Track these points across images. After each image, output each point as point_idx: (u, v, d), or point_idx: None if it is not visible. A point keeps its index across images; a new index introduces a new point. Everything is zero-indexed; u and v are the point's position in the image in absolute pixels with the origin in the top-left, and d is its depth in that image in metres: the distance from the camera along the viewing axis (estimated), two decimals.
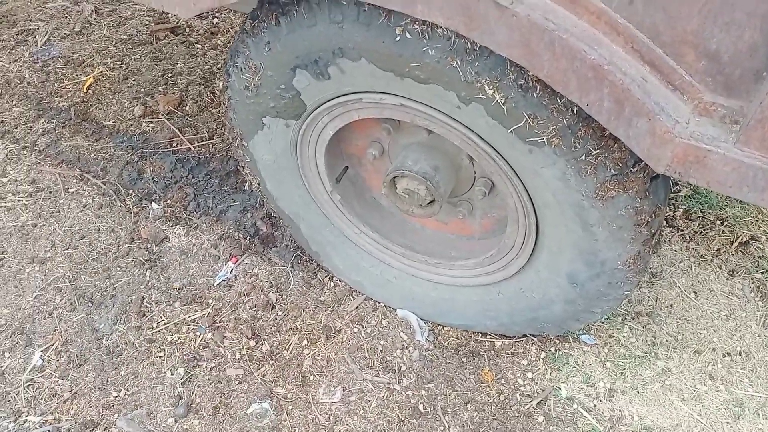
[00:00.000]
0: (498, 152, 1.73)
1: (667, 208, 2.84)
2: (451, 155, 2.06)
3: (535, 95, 1.51)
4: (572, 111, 1.51)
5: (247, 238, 2.71)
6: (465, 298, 2.35)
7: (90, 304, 2.47)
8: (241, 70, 1.93)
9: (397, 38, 1.56)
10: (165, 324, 2.42)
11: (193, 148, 3.11)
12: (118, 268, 2.60)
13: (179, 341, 2.37)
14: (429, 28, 1.51)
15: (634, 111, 1.33)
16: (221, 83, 2.63)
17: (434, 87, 1.63)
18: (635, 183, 1.64)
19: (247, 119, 2.09)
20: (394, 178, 2.08)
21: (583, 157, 1.59)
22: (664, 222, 2.79)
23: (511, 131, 1.62)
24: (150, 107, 3.32)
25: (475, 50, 1.49)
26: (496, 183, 1.91)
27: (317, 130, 2.06)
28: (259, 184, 2.38)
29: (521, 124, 1.58)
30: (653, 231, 1.78)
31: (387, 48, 1.60)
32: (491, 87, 1.54)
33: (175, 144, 3.13)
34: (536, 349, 2.39)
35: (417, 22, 1.51)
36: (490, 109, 1.59)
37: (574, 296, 2.02)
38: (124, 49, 3.70)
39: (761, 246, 2.72)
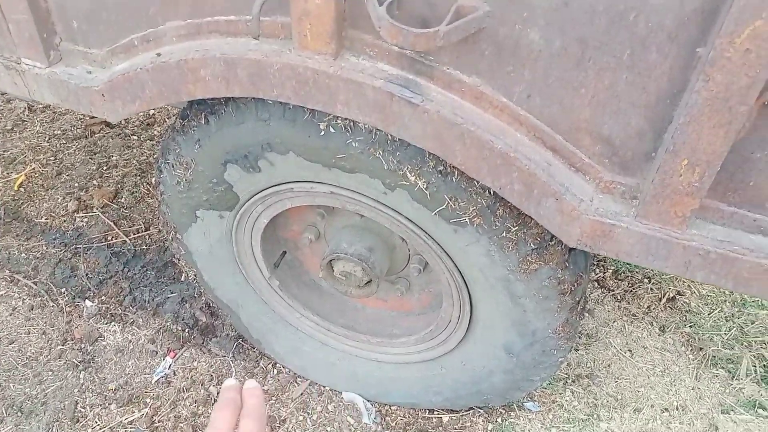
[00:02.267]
0: (426, 232, 1.81)
1: (596, 270, 2.97)
2: (385, 236, 2.12)
3: (454, 180, 1.60)
4: (489, 192, 1.60)
5: (186, 330, 2.67)
6: (409, 375, 2.36)
7: (20, 414, 2.36)
8: (173, 167, 1.96)
9: (322, 132, 1.64)
10: (101, 429, 2.32)
11: (128, 241, 3.08)
12: (50, 373, 2.50)
13: None
14: (351, 123, 1.60)
15: (542, 192, 1.43)
16: (154, 178, 2.65)
17: (360, 176, 1.70)
18: (554, 255, 1.73)
19: (181, 213, 2.11)
20: (331, 260, 2.12)
21: (504, 234, 1.68)
22: (596, 283, 2.91)
23: (435, 213, 1.70)
24: (84, 201, 3.29)
25: (396, 141, 1.58)
26: (428, 261, 1.97)
27: (252, 219, 2.09)
28: (195, 275, 2.38)
29: (444, 206, 1.66)
30: (578, 298, 1.87)
31: (313, 142, 1.67)
32: (413, 174, 1.62)
33: (110, 237, 3.10)
34: (483, 421, 2.40)
35: (339, 118, 1.59)
36: (414, 194, 1.67)
37: (512, 366, 2.06)
38: (58, 145, 3.69)
39: (687, 300, 2.85)
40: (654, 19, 1.18)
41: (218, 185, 1.94)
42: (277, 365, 2.56)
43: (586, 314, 2.77)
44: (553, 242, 1.72)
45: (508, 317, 1.90)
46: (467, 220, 1.67)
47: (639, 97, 1.27)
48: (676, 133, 1.23)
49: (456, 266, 1.87)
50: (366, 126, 1.57)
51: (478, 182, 1.57)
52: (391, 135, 1.56)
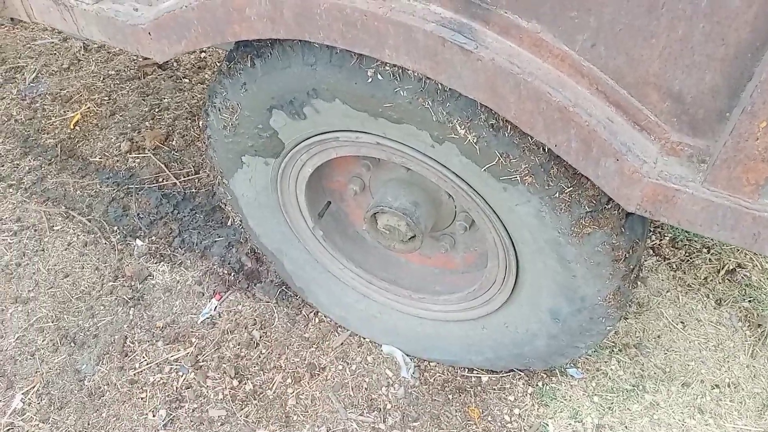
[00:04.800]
0: (474, 189, 1.73)
1: (652, 237, 2.83)
2: (431, 191, 2.06)
3: (506, 135, 1.52)
4: (544, 150, 1.51)
5: (232, 274, 2.70)
6: (450, 333, 2.33)
7: (73, 345, 2.45)
8: (219, 110, 1.94)
9: (369, 80, 1.57)
10: (147, 364, 2.39)
11: (179, 183, 3.11)
12: (102, 307, 2.58)
13: (161, 382, 2.34)
14: (400, 70, 1.52)
15: (602, 151, 1.33)
16: (201, 121, 2.65)
17: (407, 127, 1.63)
18: (610, 219, 1.63)
19: (227, 158, 2.09)
20: (375, 214, 2.08)
21: (557, 195, 1.59)
22: (651, 251, 2.79)
23: (484, 170, 1.62)
24: (136, 143, 3.34)
25: (446, 91, 1.50)
26: (474, 219, 1.91)
27: (297, 167, 2.06)
28: (241, 220, 2.38)
29: (494, 163, 1.58)
30: (632, 266, 1.78)
31: (359, 89, 1.60)
32: (463, 127, 1.54)
33: (161, 179, 3.14)
34: (523, 384, 2.36)
35: (388, 65, 1.52)
36: (463, 149, 1.60)
37: (557, 331, 2.00)
38: (112, 85, 3.73)
39: (747, 274, 2.70)
40: None
41: (263, 131, 1.91)
42: (319, 314, 2.57)
43: (639, 283, 2.66)
44: (609, 205, 1.62)
45: (556, 281, 1.83)
46: (518, 178, 1.59)
47: (716, 50, 1.15)
48: (756, 91, 1.11)
49: (504, 226, 1.80)
50: (415, 74, 1.49)
51: (531, 138, 1.48)
52: (441, 84, 1.48)
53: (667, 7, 1.14)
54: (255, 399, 2.29)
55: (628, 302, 1.91)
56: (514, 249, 1.86)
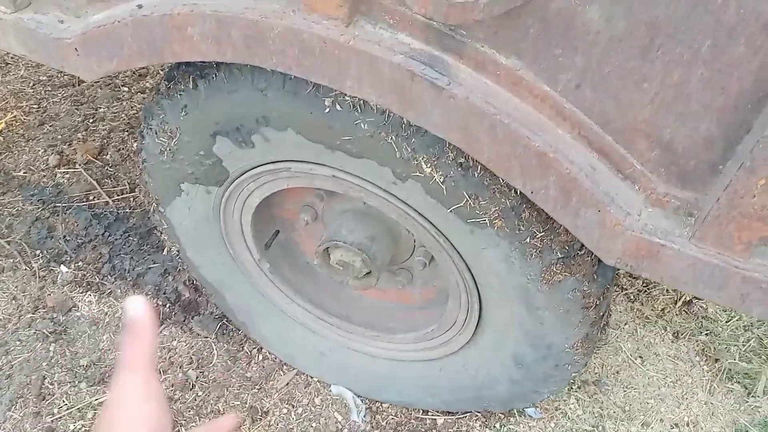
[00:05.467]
0: (438, 230, 1.60)
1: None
2: (389, 224, 1.91)
3: (476, 175, 1.39)
4: (516, 192, 1.39)
5: (167, 306, 2.48)
6: (405, 373, 2.18)
7: None
8: (156, 134, 1.74)
9: (327, 110, 1.42)
10: (68, 409, 2.15)
11: (111, 202, 2.86)
12: (18, 342, 2.31)
13: (83, 430, 2.10)
14: (361, 101, 1.37)
15: (582, 201, 1.21)
16: (136, 143, 2.43)
17: (368, 162, 1.48)
18: (583, 266, 1.53)
19: (164, 185, 1.89)
20: (327, 248, 1.92)
21: (528, 240, 1.47)
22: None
23: (450, 211, 1.48)
24: (66, 156, 3.06)
25: (411, 126, 1.36)
26: (436, 258, 1.77)
27: (242, 197, 1.87)
28: (178, 250, 2.17)
29: (462, 204, 1.45)
30: (602, 312, 1.68)
31: (315, 119, 1.45)
32: (429, 165, 1.40)
33: (92, 197, 2.88)
34: (480, 426, 2.24)
35: (348, 95, 1.36)
36: (429, 188, 1.46)
37: (520, 377, 1.88)
38: (42, 92, 3.43)
39: (704, 305, 2.67)
40: (748, 5, 0.94)
41: (206, 158, 1.72)
42: (263, 350, 2.38)
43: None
44: (582, 252, 1.52)
45: (522, 328, 1.71)
46: (487, 221, 1.46)
47: (714, 99, 1.05)
48: (757, 147, 1.01)
49: (468, 268, 1.67)
50: (379, 106, 1.35)
51: (503, 180, 1.36)
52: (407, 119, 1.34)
53: (663, 50, 1.03)
54: None
55: (594, 349, 1.81)
56: (478, 292, 1.73)
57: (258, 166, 1.72)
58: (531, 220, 1.45)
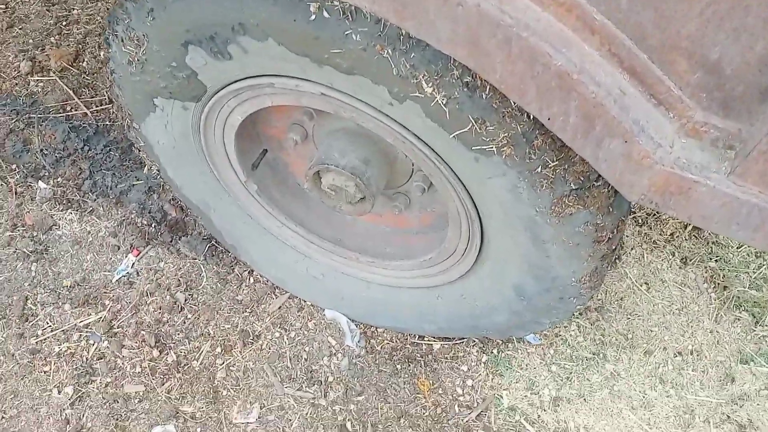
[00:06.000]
0: (439, 156, 1.44)
1: None
2: (385, 146, 1.75)
3: (483, 96, 1.21)
4: (528, 117, 1.22)
5: (153, 225, 2.35)
6: (401, 300, 2.09)
7: None
8: (122, 41, 1.54)
9: (312, 17, 1.22)
10: (52, 331, 2.07)
11: (90, 114, 2.66)
12: None
13: (69, 352, 2.03)
14: (352, 7, 1.17)
15: (607, 130, 1.05)
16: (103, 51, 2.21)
17: (360, 79, 1.30)
18: (598, 198, 1.38)
19: (135, 99, 1.71)
20: (318, 171, 1.77)
21: (539, 170, 1.32)
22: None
23: (453, 136, 1.32)
24: (39, 62, 2.83)
25: (411, 39, 1.17)
26: (436, 184, 1.62)
27: (223, 114, 1.70)
28: (158, 169, 2.02)
29: (466, 129, 1.29)
30: (614, 246, 1.55)
31: (300, 28, 1.25)
32: (430, 84, 1.22)
33: (69, 108, 2.68)
34: (477, 351, 2.17)
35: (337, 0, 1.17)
36: (429, 110, 1.29)
37: (521, 308, 1.79)
38: None
39: None
40: None
41: (179, 70, 1.53)
42: (254, 273, 2.28)
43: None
44: (599, 183, 1.37)
45: (526, 260, 1.59)
46: (494, 148, 1.30)
47: None
48: None
49: (471, 197, 1.52)
50: (372, 14, 1.15)
51: (515, 104, 1.19)
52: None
53: None
54: (179, 372, 2.02)
55: (602, 282, 1.70)
56: (480, 222, 1.60)
57: (238, 81, 1.54)
58: (544, 148, 1.29)
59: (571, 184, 1.34)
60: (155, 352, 2.05)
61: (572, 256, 1.51)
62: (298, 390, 2.02)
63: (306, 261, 2.17)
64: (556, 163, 1.31)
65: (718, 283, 2.40)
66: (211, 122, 1.73)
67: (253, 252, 2.20)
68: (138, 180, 2.47)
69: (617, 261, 1.62)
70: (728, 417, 2.08)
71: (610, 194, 1.40)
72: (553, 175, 1.33)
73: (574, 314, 2.26)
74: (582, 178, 1.34)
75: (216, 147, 1.83)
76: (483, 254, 1.72)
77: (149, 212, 2.39)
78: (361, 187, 1.73)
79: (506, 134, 1.27)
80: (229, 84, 1.55)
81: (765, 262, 2.46)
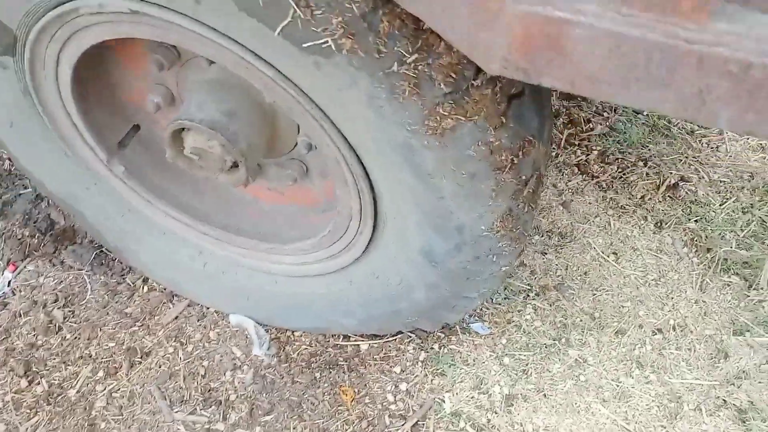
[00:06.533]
0: (278, 71, 1.12)
1: (576, 152, 2.29)
2: (258, 96, 1.43)
3: None
4: None
5: (36, 236, 2.04)
6: (312, 291, 1.74)
7: None
8: None
9: None
10: None
11: None
12: None
13: None
14: None
15: None
16: None
17: None
18: (481, 104, 1.05)
19: None
20: (178, 132, 1.46)
21: (395, 68, 1.00)
22: (576, 169, 2.24)
23: (279, 34, 1.00)
24: None
25: None
26: (299, 121, 1.30)
27: (50, 67, 1.40)
28: (10, 159, 1.71)
29: (289, 18, 0.97)
30: (525, 176, 1.20)
31: None
32: None
33: None
34: (414, 349, 1.81)
35: None
36: (241, 2, 0.97)
37: (436, 278, 1.44)
38: None
39: (693, 188, 2.20)
40: None
41: None
42: (149, 281, 1.95)
43: (563, 208, 2.12)
44: (478, 81, 1.03)
45: (420, 207, 1.25)
46: (331, 42, 0.98)
47: None
48: None
49: (337, 129, 1.20)
50: None
51: None
52: None
53: None
54: (49, 404, 1.68)
55: (528, 231, 1.35)
56: (363, 165, 1.27)
57: (41, 16, 1.24)
58: (393, 34, 0.96)
59: (442, 86, 1.01)
60: (23, 383, 1.71)
61: (471, 194, 1.17)
62: (190, 414, 1.66)
63: (203, 257, 1.83)
64: (415, 56, 0.98)
65: (701, 246, 2.03)
66: (42, 83, 1.44)
67: (141, 253, 1.87)
68: (25, 188, 2.17)
69: (536, 199, 1.27)
70: (724, 401, 1.69)
71: (500, 99, 1.06)
72: (414, 74, 1.00)
73: (527, 292, 1.90)
74: (454, 76, 1.01)
75: (61, 117, 1.53)
76: (379, 212, 1.38)
77: (34, 222, 2.08)
78: (228, 147, 1.41)
79: (340, 19, 0.95)
80: (34, 22, 1.26)
81: (754, 218, 2.10)
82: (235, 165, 1.49)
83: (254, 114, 1.45)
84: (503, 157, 1.12)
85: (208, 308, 1.90)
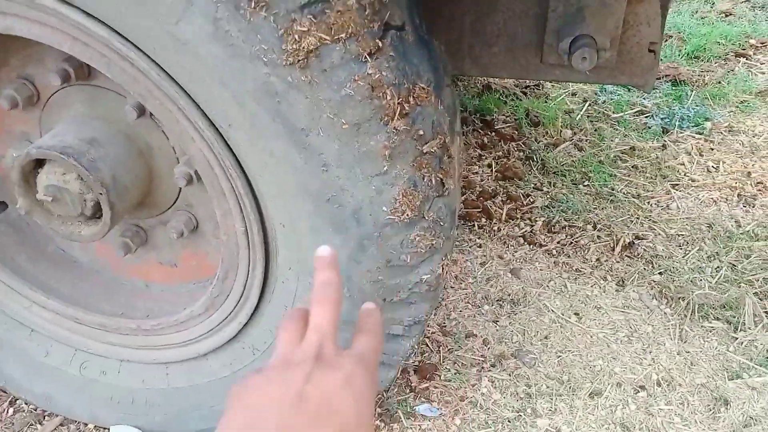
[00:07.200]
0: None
1: (519, 225, 2.10)
2: (129, 129, 1.25)
3: None
4: None
5: None
6: (211, 376, 1.40)
7: None
8: None
9: None
10: None
11: None
12: None
13: None
14: None
15: None
16: None
17: None
18: (348, 17, 0.87)
19: None
20: (29, 170, 1.24)
21: None
22: (522, 240, 2.03)
23: None
24: None
25: None
26: (147, 105, 1.08)
27: None
28: None
29: None
30: (425, 135, 0.99)
31: None
32: None
33: None
34: None
35: None
36: None
37: (348, 307, 1.14)
38: None
39: (651, 245, 1.99)
40: None
41: None
42: (18, 401, 1.56)
43: (511, 275, 1.87)
44: None
45: (304, 190, 1.01)
46: None
47: None
48: None
49: (186, 92, 0.99)
50: None
51: None
52: None
53: None
54: None
55: (448, 225, 1.10)
56: (230, 150, 1.04)
57: None
58: None
59: None
60: None
61: (359, 155, 0.95)
62: None
63: (79, 356, 1.49)
64: None
65: (670, 296, 1.77)
66: None
67: (4, 364, 1.52)
68: None
69: (447, 177, 1.03)
70: None
71: (369, 15, 0.89)
72: None
73: (480, 364, 1.57)
74: None
75: None
76: (268, 231, 1.13)
77: None
78: (88, 180, 1.18)
79: None
80: None
81: (722, 264, 1.87)
82: (98, 210, 1.25)
83: (121, 142, 1.25)
84: (389, 99, 0.92)
85: (86, 425, 1.50)
